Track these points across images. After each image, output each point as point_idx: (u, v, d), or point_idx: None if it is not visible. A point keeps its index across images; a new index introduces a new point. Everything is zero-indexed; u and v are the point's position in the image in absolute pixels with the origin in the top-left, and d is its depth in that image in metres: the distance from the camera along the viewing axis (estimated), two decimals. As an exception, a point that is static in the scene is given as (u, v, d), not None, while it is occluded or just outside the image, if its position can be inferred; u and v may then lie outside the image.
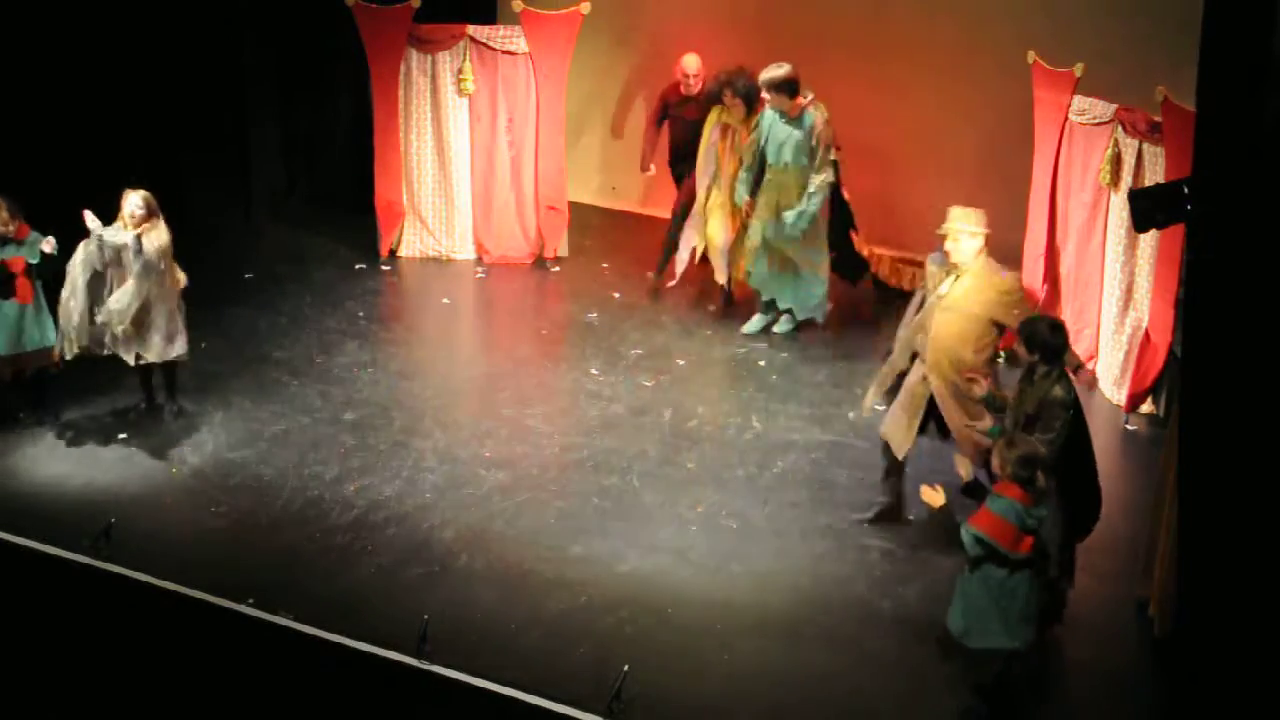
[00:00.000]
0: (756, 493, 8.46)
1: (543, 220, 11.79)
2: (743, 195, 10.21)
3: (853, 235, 10.67)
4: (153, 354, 8.72)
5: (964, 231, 7.78)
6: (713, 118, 10.51)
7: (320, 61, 12.12)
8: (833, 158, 9.98)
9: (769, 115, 10.00)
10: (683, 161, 10.97)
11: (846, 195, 10.36)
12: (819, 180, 9.86)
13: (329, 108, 12.48)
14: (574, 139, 11.90)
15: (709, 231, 10.59)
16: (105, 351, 8.73)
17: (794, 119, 9.88)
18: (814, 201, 9.89)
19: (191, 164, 11.44)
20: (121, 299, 8.55)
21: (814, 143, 9.85)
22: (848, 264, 10.72)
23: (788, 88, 9.82)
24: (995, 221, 11.36)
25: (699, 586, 7.56)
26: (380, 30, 11.27)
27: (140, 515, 7.98)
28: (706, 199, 10.56)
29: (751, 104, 10.27)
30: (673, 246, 10.96)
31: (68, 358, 8.72)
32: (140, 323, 8.62)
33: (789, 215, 9.90)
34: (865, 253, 10.80)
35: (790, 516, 8.22)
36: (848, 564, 7.80)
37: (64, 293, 8.61)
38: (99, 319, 8.61)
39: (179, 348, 8.82)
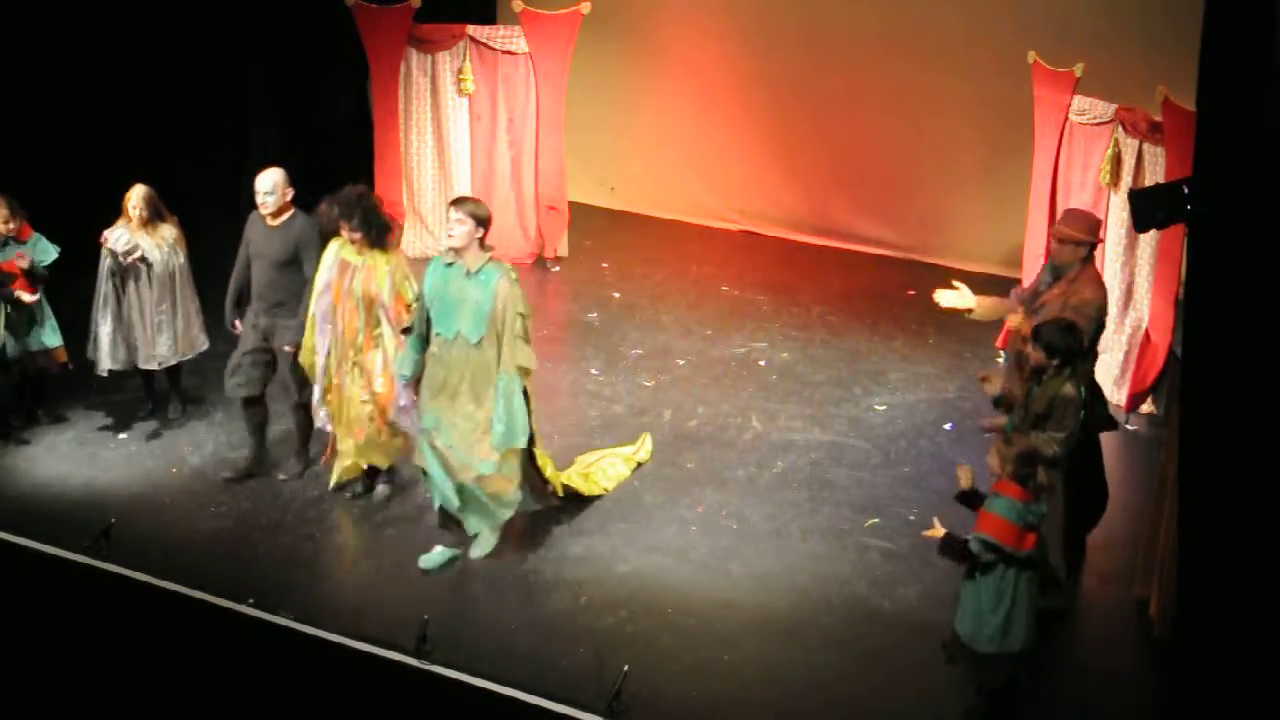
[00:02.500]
0: (756, 493, 8.46)
1: (543, 220, 11.79)
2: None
3: None
4: (175, 350, 8.80)
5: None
6: (331, 249, 8.02)
7: (320, 61, 12.12)
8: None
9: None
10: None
11: None
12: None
13: (329, 108, 12.48)
14: (574, 139, 11.91)
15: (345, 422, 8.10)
16: (143, 365, 8.84)
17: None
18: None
19: (191, 164, 11.44)
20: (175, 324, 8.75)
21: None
22: None
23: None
24: (995, 221, 11.47)
25: (699, 586, 7.56)
26: (380, 30, 11.27)
27: (140, 515, 7.98)
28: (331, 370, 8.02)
29: (378, 235, 7.87)
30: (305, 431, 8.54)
31: (101, 372, 8.78)
32: (160, 323, 8.70)
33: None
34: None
35: (790, 516, 8.22)
36: (848, 564, 7.80)
37: (99, 314, 8.68)
38: (143, 353, 8.73)
39: (199, 343, 8.91)
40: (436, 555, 7.69)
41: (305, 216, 8.20)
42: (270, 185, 8.18)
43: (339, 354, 7.93)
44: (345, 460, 8.14)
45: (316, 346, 8.00)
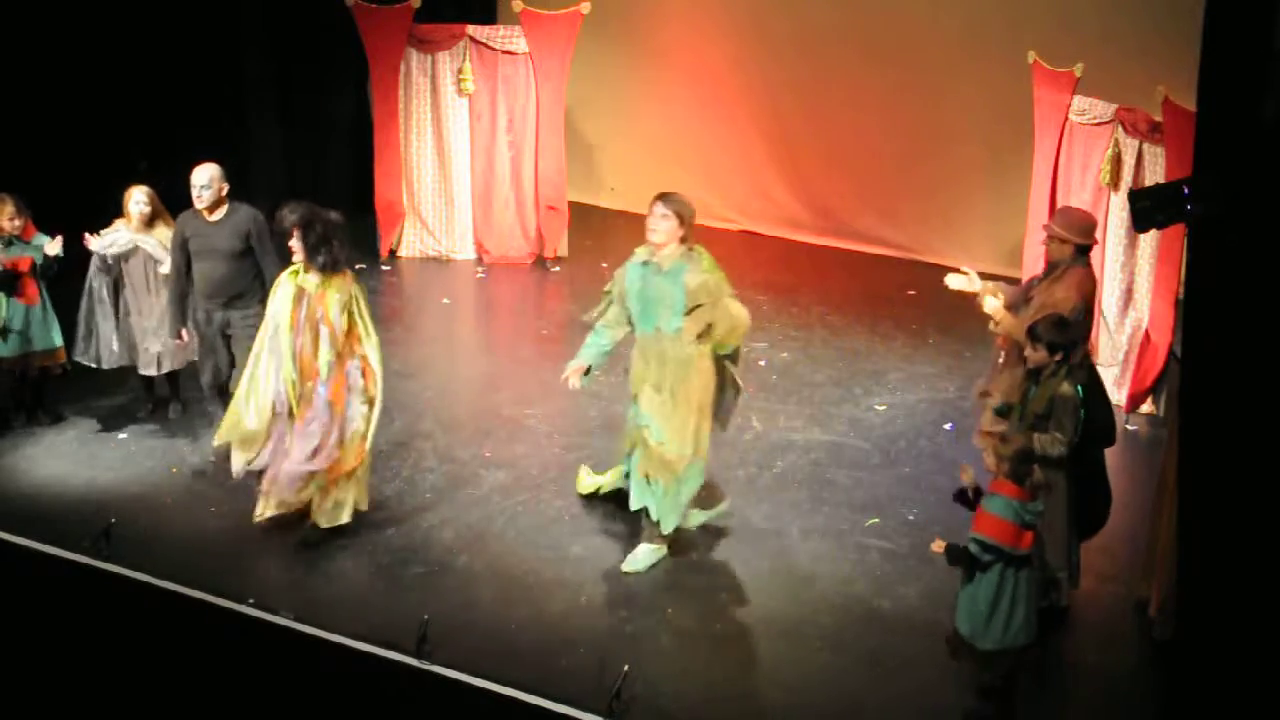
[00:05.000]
0: (756, 493, 8.45)
1: (543, 220, 11.79)
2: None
3: None
4: (175, 359, 8.81)
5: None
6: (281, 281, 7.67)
7: (320, 61, 12.12)
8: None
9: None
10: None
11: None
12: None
13: (329, 108, 12.48)
14: (574, 139, 11.91)
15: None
16: (143, 370, 8.85)
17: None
18: None
19: (191, 164, 11.42)
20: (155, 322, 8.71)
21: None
22: None
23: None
24: (995, 221, 11.47)
25: (699, 586, 7.56)
26: (380, 30, 11.28)
27: (140, 515, 7.98)
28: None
29: (325, 262, 7.46)
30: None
31: (105, 366, 8.80)
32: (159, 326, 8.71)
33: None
34: None
35: (790, 516, 8.22)
36: (848, 564, 7.79)
37: (97, 312, 8.68)
38: (149, 350, 8.75)
39: (193, 349, 8.90)
40: (641, 558, 7.63)
41: (247, 206, 8.24)
42: (207, 179, 8.20)
43: (301, 389, 7.54)
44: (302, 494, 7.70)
45: (258, 390, 7.61)
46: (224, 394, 8.36)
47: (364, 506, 7.84)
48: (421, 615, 6.90)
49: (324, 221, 7.48)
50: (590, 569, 7.66)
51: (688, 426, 7.43)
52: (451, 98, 11.56)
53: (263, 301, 7.90)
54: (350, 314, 7.53)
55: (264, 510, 7.79)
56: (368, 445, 7.65)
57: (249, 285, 8.21)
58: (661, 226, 7.29)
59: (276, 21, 11.87)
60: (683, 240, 7.34)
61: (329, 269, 7.48)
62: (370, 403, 7.62)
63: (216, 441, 8.00)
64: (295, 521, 8.01)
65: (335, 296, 7.48)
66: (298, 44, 11.99)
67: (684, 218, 7.30)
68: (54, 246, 8.54)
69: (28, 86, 10.44)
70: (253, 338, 7.82)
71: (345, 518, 7.73)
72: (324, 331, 7.48)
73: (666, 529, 7.58)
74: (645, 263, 7.44)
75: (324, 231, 7.44)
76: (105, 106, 10.77)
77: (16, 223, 8.52)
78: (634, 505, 7.62)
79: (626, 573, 7.57)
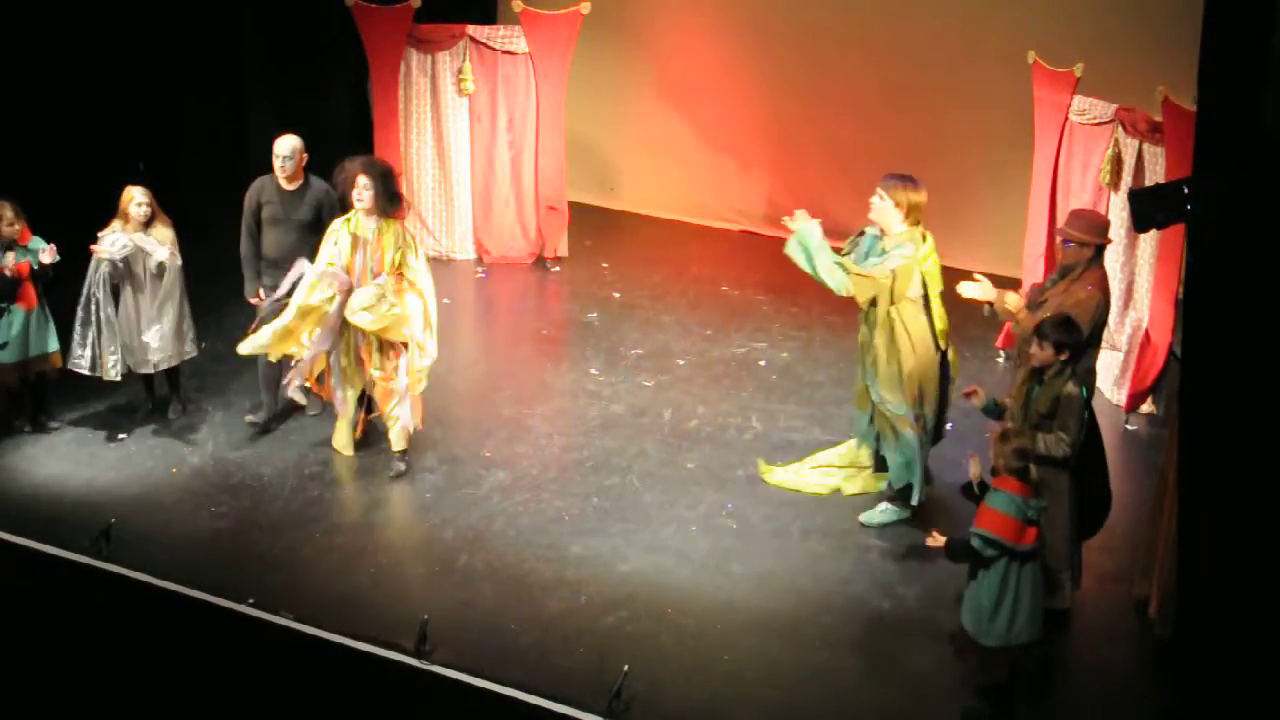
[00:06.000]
0: (756, 493, 8.45)
1: (543, 220, 11.80)
2: None
3: None
4: (168, 356, 8.76)
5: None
6: (336, 230, 8.30)
7: (320, 61, 12.13)
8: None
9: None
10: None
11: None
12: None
13: (329, 108, 12.48)
14: (574, 139, 11.91)
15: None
16: (144, 370, 8.83)
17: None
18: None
19: (191, 163, 11.45)
20: (162, 326, 8.70)
21: None
22: None
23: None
24: (996, 221, 11.47)
25: (699, 586, 7.56)
26: (380, 30, 11.27)
27: (140, 515, 7.98)
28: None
29: (389, 200, 8.23)
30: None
31: (114, 378, 8.74)
32: (155, 324, 8.69)
33: None
34: None
35: (790, 516, 8.22)
36: (848, 564, 7.80)
37: (101, 314, 8.60)
38: (148, 344, 8.71)
39: (190, 348, 8.90)
40: (879, 513, 8.11)
41: (320, 180, 8.68)
42: (290, 149, 8.61)
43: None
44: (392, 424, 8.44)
45: (311, 337, 8.27)
46: (267, 361, 8.68)
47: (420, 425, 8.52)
48: (421, 615, 6.91)
49: (383, 167, 8.30)
50: (590, 569, 7.66)
51: (902, 387, 7.72)
52: (451, 98, 11.56)
53: None
54: (402, 252, 8.22)
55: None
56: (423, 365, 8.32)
57: (312, 256, 8.42)
58: (876, 206, 7.80)
59: (276, 21, 11.87)
60: (910, 219, 7.78)
61: (392, 209, 8.21)
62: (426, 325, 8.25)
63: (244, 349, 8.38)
64: (293, 523, 8.02)
65: (391, 241, 8.19)
66: (297, 44, 11.99)
67: (898, 201, 7.76)
68: (48, 255, 8.47)
69: (27, 86, 10.44)
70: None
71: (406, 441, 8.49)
72: (383, 278, 8.15)
73: (915, 500, 7.93)
74: (877, 236, 7.89)
75: (388, 171, 8.27)
76: (104, 107, 10.77)
77: (15, 227, 8.51)
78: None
79: (864, 524, 8.06)
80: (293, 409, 9.06)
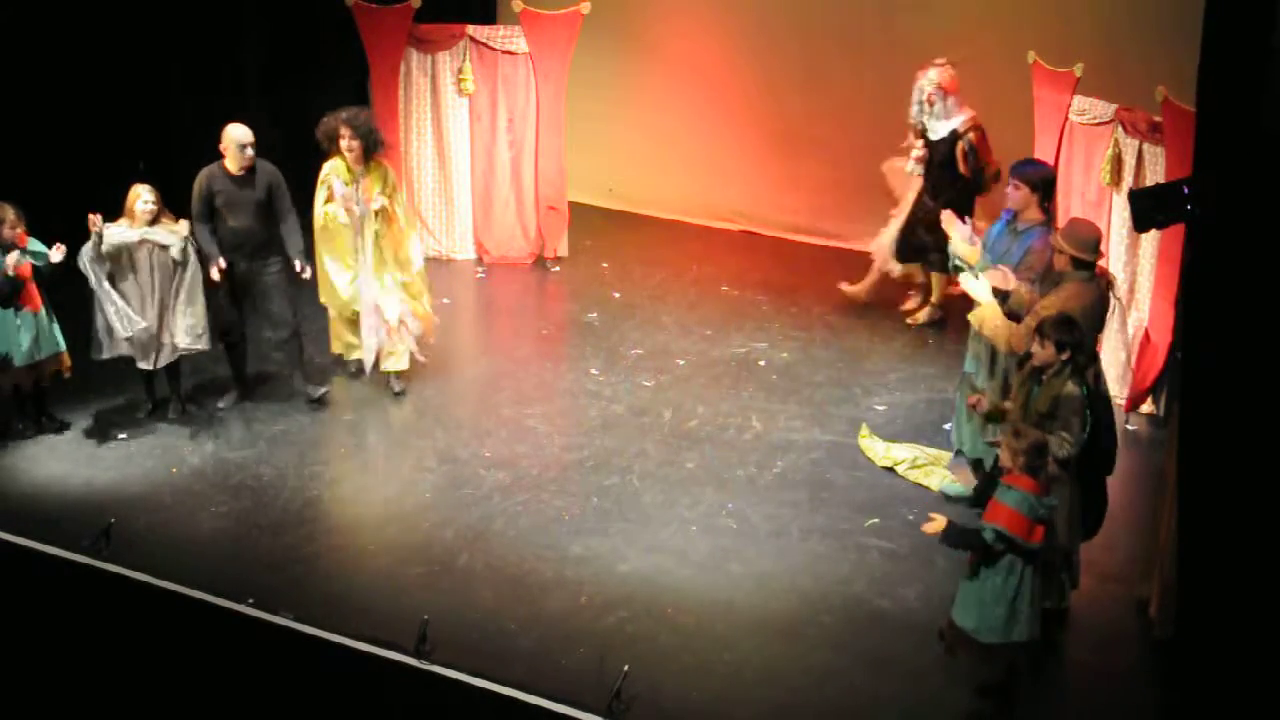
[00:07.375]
0: (756, 493, 8.45)
1: (543, 220, 11.79)
2: None
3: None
4: (182, 342, 8.80)
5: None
6: (327, 173, 9.19)
7: (320, 61, 12.12)
8: None
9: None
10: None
11: None
12: None
13: (329, 108, 12.46)
14: (574, 139, 11.91)
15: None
16: (146, 365, 8.82)
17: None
18: None
19: (191, 163, 11.42)
20: (193, 319, 8.83)
21: None
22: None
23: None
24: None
25: (699, 586, 7.56)
26: (380, 30, 11.27)
27: (140, 515, 7.99)
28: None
29: (374, 144, 9.10)
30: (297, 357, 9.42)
31: (104, 356, 8.75)
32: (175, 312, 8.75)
33: None
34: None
35: (790, 516, 8.22)
36: (848, 564, 7.80)
37: (108, 305, 8.59)
38: (179, 342, 8.83)
39: (205, 341, 8.91)
40: (959, 486, 8.34)
41: (265, 161, 8.96)
42: (252, 137, 8.84)
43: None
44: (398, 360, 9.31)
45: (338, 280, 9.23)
46: (233, 349, 9.19)
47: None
48: (421, 615, 6.91)
49: (365, 115, 9.08)
50: (590, 569, 7.66)
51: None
52: (451, 98, 11.55)
53: (281, 252, 8.94)
54: (390, 197, 9.07)
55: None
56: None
57: (271, 236, 8.92)
58: (1012, 195, 7.93)
59: (276, 21, 11.86)
60: (1042, 206, 7.91)
61: (376, 150, 8.99)
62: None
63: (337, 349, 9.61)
64: (293, 523, 8.02)
65: (378, 184, 9.01)
66: (297, 44, 11.98)
67: (1034, 184, 7.88)
68: (59, 252, 8.49)
69: (26, 87, 10.43)
70: (278, 286, 8.97)
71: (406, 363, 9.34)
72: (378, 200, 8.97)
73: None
74: (1009, 221, 7.99)
75: (367, 121, 9.01)
76: (105, 107, 10.76)
77: (17, 230, 8.50)
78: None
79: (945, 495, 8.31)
80: (292, 410, 9.07)
